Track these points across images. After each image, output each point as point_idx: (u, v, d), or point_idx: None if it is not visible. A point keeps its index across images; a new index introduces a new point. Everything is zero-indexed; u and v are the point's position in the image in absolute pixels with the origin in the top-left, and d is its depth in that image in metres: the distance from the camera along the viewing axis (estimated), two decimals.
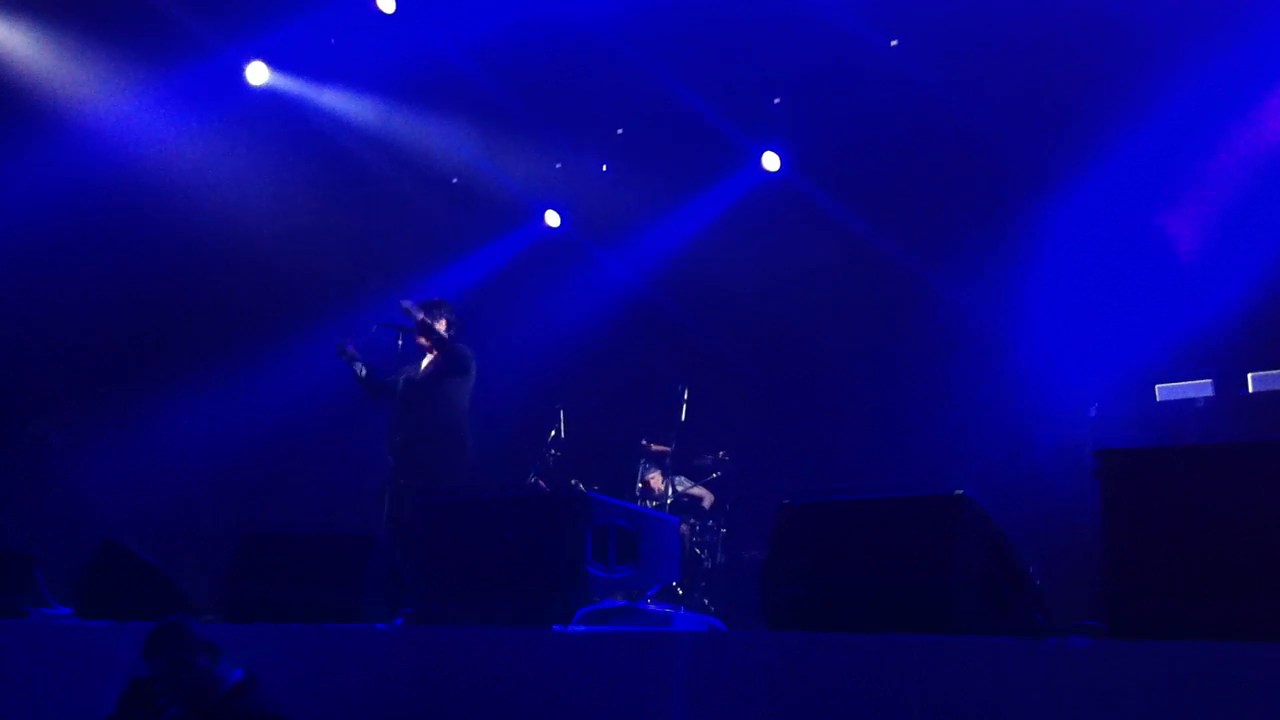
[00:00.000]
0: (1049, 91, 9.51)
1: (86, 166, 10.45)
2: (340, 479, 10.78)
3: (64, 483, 10.62)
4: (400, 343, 8.78)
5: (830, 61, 10.14)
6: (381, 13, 10.43)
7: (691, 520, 9.81)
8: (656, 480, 10.20)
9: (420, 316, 8.53)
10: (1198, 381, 7.68)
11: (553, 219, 12.69)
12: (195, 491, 11.08)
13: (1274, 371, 7.44)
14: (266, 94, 11.23)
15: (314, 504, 11.00)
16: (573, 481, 9.57)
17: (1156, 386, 7.83)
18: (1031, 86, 9.54)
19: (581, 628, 4.91)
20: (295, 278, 11.63)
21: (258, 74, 11.10)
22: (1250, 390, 7.47)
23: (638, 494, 10.11)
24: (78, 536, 8.14)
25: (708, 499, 10.24)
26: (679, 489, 10.20)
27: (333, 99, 11.38)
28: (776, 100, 11.02)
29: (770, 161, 11.37)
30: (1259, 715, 3.39)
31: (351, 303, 11.21)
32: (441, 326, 8.70)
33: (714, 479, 10.21)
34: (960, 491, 4.16)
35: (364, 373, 8.77)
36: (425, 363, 8.78)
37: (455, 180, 12.41)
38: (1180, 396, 7.64)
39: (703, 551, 9.68)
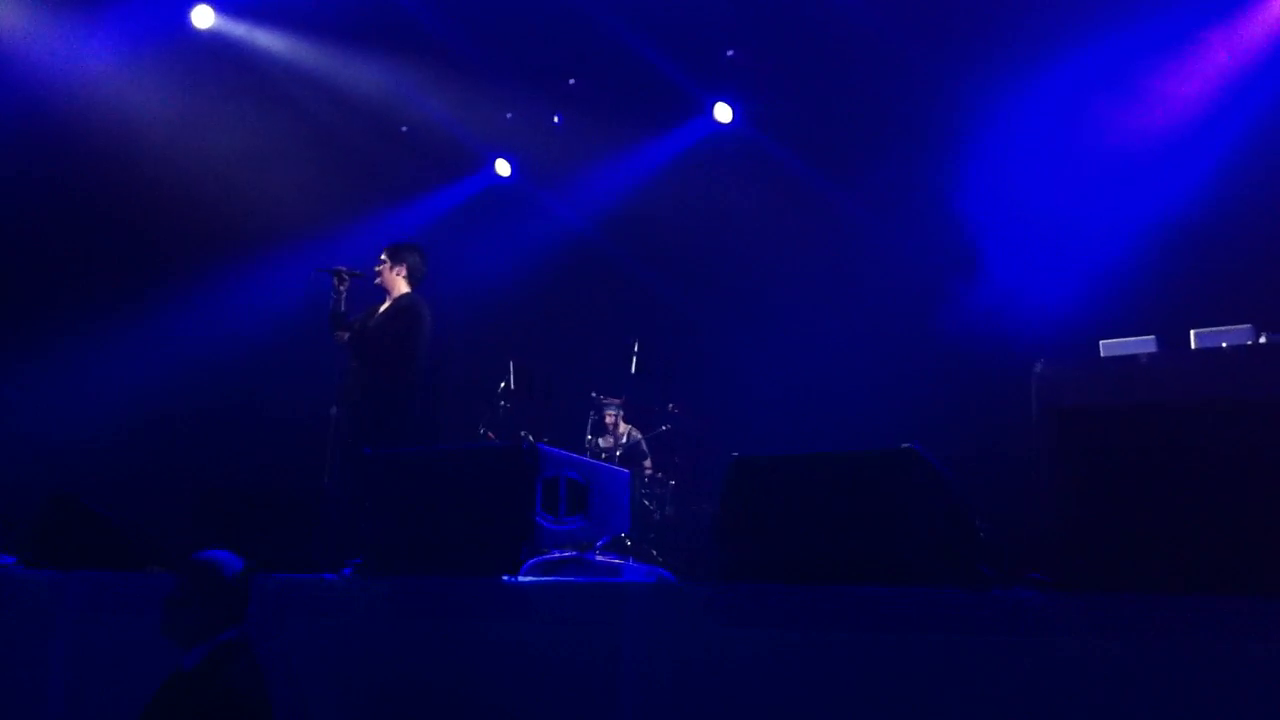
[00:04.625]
0: (1001, 38, 9.55)
1: (26, 106, 10.26)
2: (287, 426, 10.70)
3: (12, 433, 10.46)
4: (341, 289, 8.44)
5: (784, 13, 10.13)
6: None
7: (641, 472, 9.86)
8: (611, 417, 10.23)
9: (345, 283, 8.39)
10: (1142, 337, 7.77)
11: (503, 168, 12.62)
12: (142, 441, 10.95)
13: (1216, 329, 7.54)
14: (211, 37, 11.07)
15: (260, 451, 10.92)
16: (522, 433, 9.56)
17: (1101, 342, 7.92)
18: (983, 33, 9.58)
19: (530, 578, 4.92)
20: (241, 223, 11.49)
21: (203, 17, 10.94)
22: (1193, 346, 7.56)
23: (590, 430, 10.11)
24: (23, 486, 8.04)
25: (648, 460, 10.30)
26: (635, 438, 10.25)
27: (281, 44, 11.23)
28: (730, 53, 11.00)
29: (722, 113, 11.36)
30: (1205, 668, 3.46)
31: (297, 249, 11.10)
32: (400, 272, 8.57)
33: (664, 430, 10.25)
34: (908, 445, 4.19)
35: (342, 307, 8.44)
36: (379, 310, 8.60)
37: (405, 129, 12.31)
38: (1125, 352, 7.72)
39: (652, 504, 9.72)
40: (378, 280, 8.60)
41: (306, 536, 5.61)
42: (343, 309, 8.44)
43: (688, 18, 10.45)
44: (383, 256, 8.63)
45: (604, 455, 9.85)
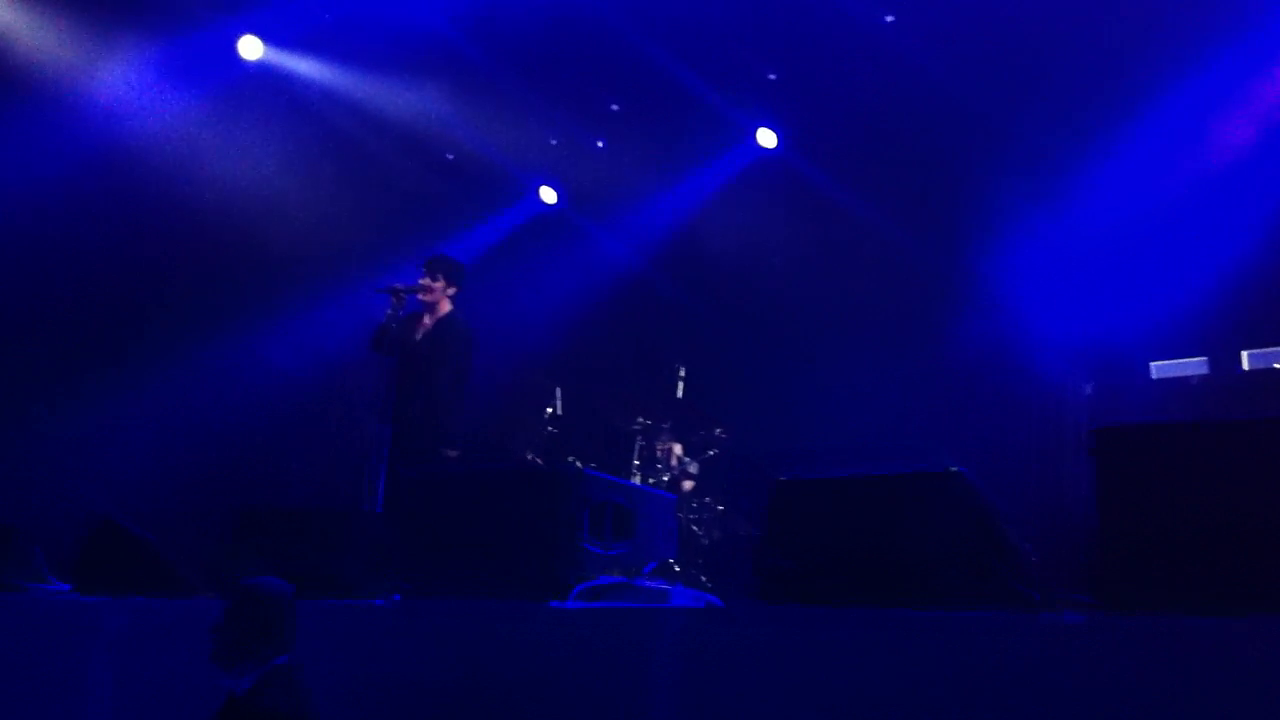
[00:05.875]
0: (1042, 65, 9.51)
1: (77, 140, 10.39)
2: (330, 451, 10.77)
3: (54, 457, 10.56)
4: (400, 307, 8.42)
5: (825, 37, 10.12)
6: None
7: (688, 496, 9.82)
8: (679, 449, 10.19)
9: (403, 301, 8.39)
10: (1192, 359, 7.71)
11: (548, 195, 12.68)
12: (185, 465, 11.03)
13: (1268, 349, 7.46)
14: (260, 68, 11.19)
15: (304, 477, 10.99)
16: (569, 459, 9.57)
17: (1151, 364, 7.86)
18: (1023, 60, 9.54)
19: (578, 604, 4.92)
20: (287, 251, 11.57)
21: (251, 49, 11.06)
22: (1245, 368, 7.49)
23: (647, 456, 10.01)
24: (67, 512, 8.11)
25: (695, 485, 10.26)
26: (682, 462, 10.22)
27: (326, 74, 11.34)
28: (772, 76, 10.99)
29: (766, 139, 11.36)
30: (1248, 688, 3.41)
31: (344, 277, 11.18)
32: (450, 291, 8.63)
33: (711, 455, 10.21)
34: (954, 468, 4.17)
35: (394, 324, 8.37)
36: (423, 327, 8.66)
37: (450, 156, 12.39)
38: (1175, 374, 7.67)
39: (700, 528, 9.69)
40: (426, 296, 8.62)
41: (344, 556, 5.63)
42: (394, 326, 8.44)
43: (729, 41, 10.46)
44: (432, 273, 8.65)
45: (651, 480, 9.83)
